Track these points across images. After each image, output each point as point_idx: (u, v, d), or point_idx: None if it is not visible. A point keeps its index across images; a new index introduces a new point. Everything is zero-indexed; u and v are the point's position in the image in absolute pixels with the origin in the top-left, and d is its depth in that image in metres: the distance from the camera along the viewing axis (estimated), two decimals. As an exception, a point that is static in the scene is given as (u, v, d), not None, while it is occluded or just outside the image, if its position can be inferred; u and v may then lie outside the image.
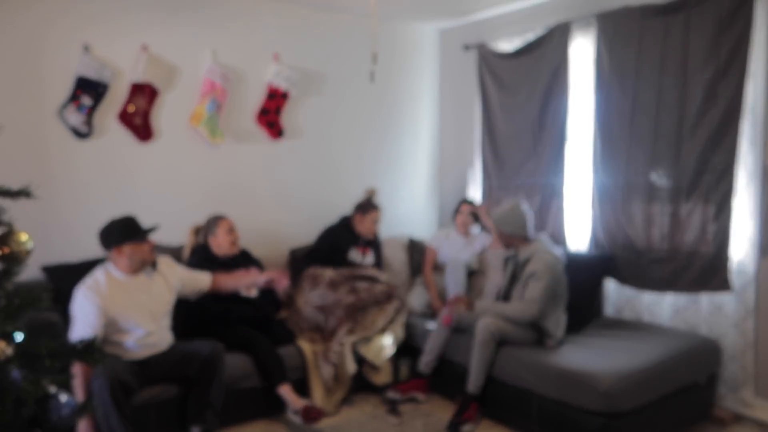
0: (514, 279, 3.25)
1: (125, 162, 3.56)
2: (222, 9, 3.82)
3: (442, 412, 3.22)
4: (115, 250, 2.68)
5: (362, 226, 3.92)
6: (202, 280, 3.05)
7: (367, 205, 3.95)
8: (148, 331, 2.73)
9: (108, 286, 2.66)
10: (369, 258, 3.98)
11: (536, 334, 3.07)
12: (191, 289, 3.01)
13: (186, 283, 2.97)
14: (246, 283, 3.21)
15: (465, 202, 4.19)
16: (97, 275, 2.70)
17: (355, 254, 3.94)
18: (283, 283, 3.19)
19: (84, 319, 2.56)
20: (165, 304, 2.84)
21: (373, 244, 4.05)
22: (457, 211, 4.18)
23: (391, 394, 3.27)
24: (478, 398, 3.08)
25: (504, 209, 3.25)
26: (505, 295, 3.28)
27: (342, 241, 3.88)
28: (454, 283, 3.76)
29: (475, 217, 4.19)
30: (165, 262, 2.95)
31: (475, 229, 4.26)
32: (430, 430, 3.01)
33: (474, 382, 3.07)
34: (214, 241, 3.38)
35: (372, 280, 3.71)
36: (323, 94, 4.30)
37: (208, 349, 2.81)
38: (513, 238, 3.19)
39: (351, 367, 3.30)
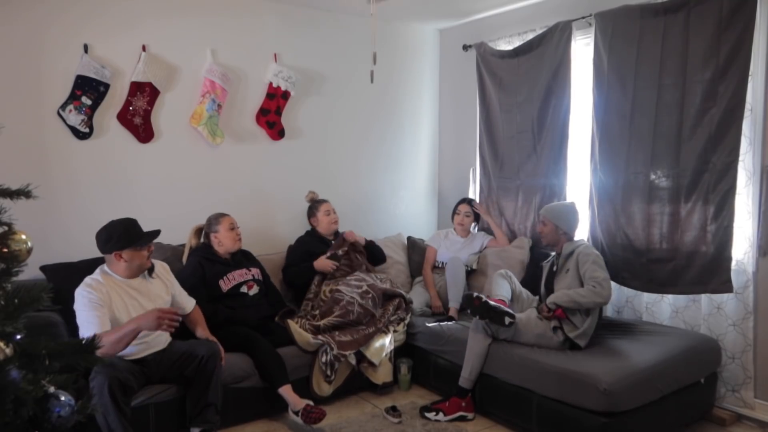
0: (551, 275, 3.25)
1: (125, 162, 3.56)
2: (222, 9, 3.82)
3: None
4: (115, 254, 2.66)
5: (322, 226, 3.91)
6: (186, 303, 3.01)
7: (312, 205, 3.95)
8: (145, 332, 2.72)
9: (106, 286, 2.65)
10: None
11: (552, 330, 3.02)
12: (177, 306, 2.96)
13: (176, 297, 2.95)
14: (207, 335, 3.01)
15: (462, 202, 4.19)
16: (96, 275, 2.69)
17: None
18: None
19: (89, 313, 2.53)
20: (162, 305, 2.82)
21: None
22: (454, 212, 4.18)
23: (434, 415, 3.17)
24: (466, 392, 3.12)
25: (563, 206, 3.37)
26: (548, 290, 3.26)
27: (313, 248, 3.85)
28: (454, 283, 3.76)
29: (476, 216, 4.19)
30: (165, 271, 2.94)
31: (474, 229, 4.26)
32: (430, 430, 3.01)
33: (462, 374, 3.13)
34: (216, 238, 3.38)
35: (405, 301, 3.70)
36: (323, 94, 4.30)
37: (205, 349, 2.80)
38: (561, 234, 3.25)
39: (351, 357, 3.32)
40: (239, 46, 3.89)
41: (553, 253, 3.35)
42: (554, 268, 3.26)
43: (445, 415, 3.11)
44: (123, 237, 2.65)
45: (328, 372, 3.25)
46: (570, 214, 3.31)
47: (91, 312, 2.54)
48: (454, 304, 3.69)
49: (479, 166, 4.45)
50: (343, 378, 3.33)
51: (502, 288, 3.31)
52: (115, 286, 2.68)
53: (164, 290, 2.87)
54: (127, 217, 2.74)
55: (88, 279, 2.67)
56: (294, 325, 3.31)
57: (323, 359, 3.25)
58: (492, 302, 3.04)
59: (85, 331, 2.51)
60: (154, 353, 2.78)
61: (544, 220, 3.33)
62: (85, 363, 1.80)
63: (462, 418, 3.11)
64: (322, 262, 3.72)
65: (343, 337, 3.31)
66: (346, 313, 3.41)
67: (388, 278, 3.89)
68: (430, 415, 3.12)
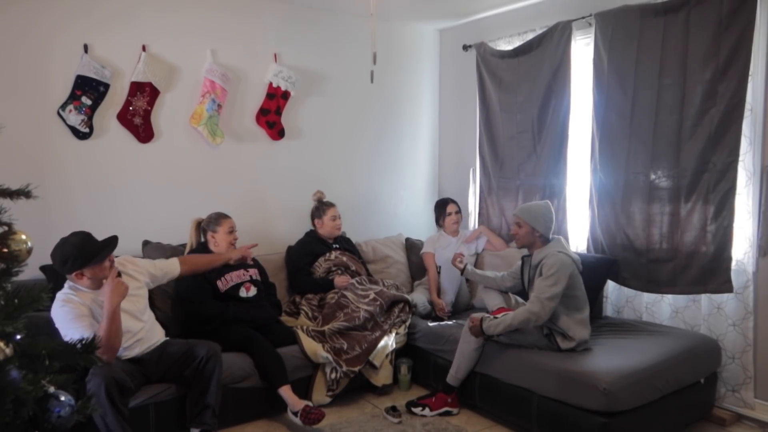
0: (530, 281, 3.13)
1: (125, 162, 3.56)
2: (222, 9, 3.82)
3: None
4: (75, 274, 2.55)
5: (325, 229, 3.89)
6: (171, 267, 3.02)
7: (320, 206, 3.92)
8: (133, 332, 2.71)
9: (80, 298, 2.56)
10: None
11: (545, 338, 3.01)
12: (163, 277, 2.97)
13: (156, 275, 2.94)
14: (219, 261, 3.20)
15: (451, 202, 4.15)
16: (66, 290, 2.60)
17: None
18: (249, 255, 3.28)
19: (75, 323, 2.47)
20: (140, 300, 2.80)
21: (345, 245, 4.03)
22: (446, 214, 4.12)
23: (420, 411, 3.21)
24: (452, 389, 3.15)
25: (539, 207, 3.11)
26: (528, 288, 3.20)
27: (317, 250, 3.86)
28: (449, 281, 3.76)
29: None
30: (128, 262, 2.87)
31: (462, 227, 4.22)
32: (430, 430, 3.01)
33: (450, 371, 3.15)
34: (213, 237, 3.36)
35: (409, 305, 3.69)
36: (323, 94, 4.30)
37: (204, 350, 2.79)
38: (537, 236, 3.06)
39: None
40: (239, 46, 3.89)
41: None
42: (529, 271, 3.12)
43: (431, 410, 3.15)
44: (79, 258, 2.51)
45: (333, 386, 3.26)
46: (546, 214, 3.08)
47: (76, 322, 2.48)
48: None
49: (479, 166, 4.45)
50: (344, 385, 3.33)
51: (495, 299, 3.33)
52: (85, 296, 2.59)
53: (136, 286, 2.80)
54: (78, 232, 2.59)
55: (60, 295, 2.58)
56: (303, 335, 3.31)
57: (331, 375, 3.26)
58: (500, 316, 3.02)
59: (71, 336, 2.44)
60: (150, 351, 2.78)
61: (519, 222, 3.10)
62: (85, 363, 1.80)
63: (447, 413, 3.14)
64: (342, 280, 3.71)
65: (351, 351, 3.29)
66: (351, 318, 3.41)
67: (395, 284, 3.92)
68: (417, 410, 3.16)
